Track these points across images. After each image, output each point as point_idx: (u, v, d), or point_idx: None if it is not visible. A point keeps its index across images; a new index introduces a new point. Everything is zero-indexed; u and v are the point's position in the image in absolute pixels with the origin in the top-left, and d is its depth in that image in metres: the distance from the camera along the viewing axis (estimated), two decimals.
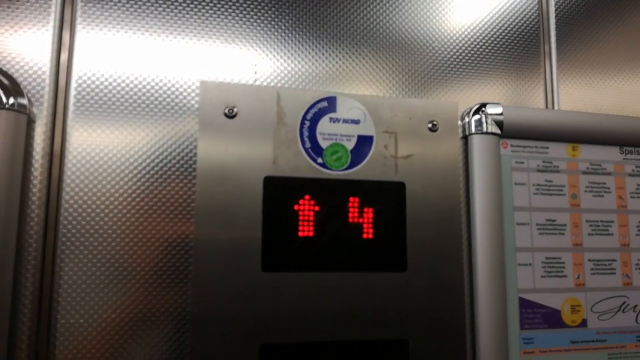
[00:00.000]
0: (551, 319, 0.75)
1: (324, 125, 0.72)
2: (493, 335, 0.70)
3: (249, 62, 0.74)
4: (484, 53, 0.83)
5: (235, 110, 0.69)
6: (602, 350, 0.77)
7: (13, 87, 0.62)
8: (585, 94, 0.88)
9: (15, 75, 0.64)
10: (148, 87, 0.69)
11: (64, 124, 0.66)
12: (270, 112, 0.70)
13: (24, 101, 0.62)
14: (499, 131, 0.76)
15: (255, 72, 0.74)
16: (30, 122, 0.64)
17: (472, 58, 0.83)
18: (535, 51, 0.86)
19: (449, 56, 0.82)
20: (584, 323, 0.77)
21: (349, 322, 0.68)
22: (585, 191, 0.80)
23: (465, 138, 0.77)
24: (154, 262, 0.66)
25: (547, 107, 0.86)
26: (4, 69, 0.64)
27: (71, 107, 0.66)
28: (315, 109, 0.72)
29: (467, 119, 0.77)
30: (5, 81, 0.62)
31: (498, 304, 0.71)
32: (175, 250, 0.67)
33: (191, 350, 0.62)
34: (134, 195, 0.66)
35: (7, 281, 0.60)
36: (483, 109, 0.76)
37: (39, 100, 0.65)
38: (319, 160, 0.71)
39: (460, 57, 0.82)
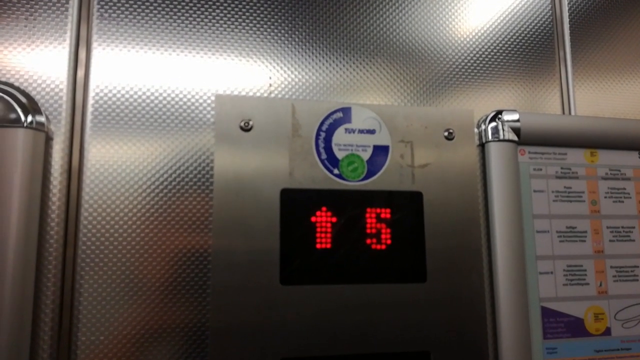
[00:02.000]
0: (574, 327, 0.74)
1: (340, 136, 0.71)
2: (516, 345, 0.69)
3: (263, 75, 0.74)
4: (498, 60, 0.83)
5: (250, 123, 0.69)
6: (628, 359, 0.75)
7: (31, 106, 0.62)
8: (601, 98, 0.87)
9: (32, 93, 0.65)
10: (164, 101, 0.69)
11: (82, 140, 0.66)
12: (286, 124, 0.70)
13: (42, 119, 0.63)
14: (516, 138, 0.76)
15: (270, 85, 0.74)
16: (49, 139, 0.65)
17: (487, 65, 0.82)
18: (550, 56, 0.86)
19: (463, 63, 0.81)
20: (607, 331, 0.75)
21: (369, 334, 0.67)
22: (605, 197, 0.79)
23: (482, 146, 0.76)
24: (173, 276, 0.65)
25: (563, 112, 0.85)
26: (22, 87, 0.65)
27: (88, 124, 0.67)
28: (330, 120, 0.72)
29: (483, 127, 0.76)
30: (24, 100, 0.62)
31: (520, 314, 0.70)
32: (193, 264, 0.66)
33: None
34: (152, 210, 0.66)
35: (28, 297, 0.60)
36: (499, 116, 0.76)
37: (56, 118, 0.66)
38: (335, 171, 0.71)
39: (475, 64, 0.82)
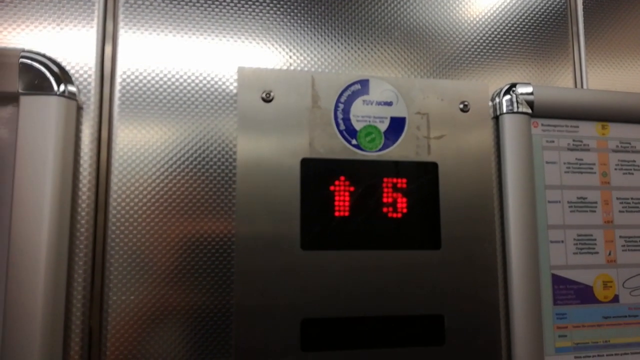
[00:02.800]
0: (583, 294, 0.77)
1: (358, 108, 0.74)
2: (527, 310, 0.72)
3: (284, 51, 0.76)
4: (512, 36, 0.84)
5: (272, 94, 0.71)
6: (634, 326, 0.78)
7: (63, 75, 0.65)
8: (613, 74, 0.89)
9: (63, 64, 0.67)
10: (189, 78, 0.72)
11: (111, 113, 0.69)
12: (306, 96, 0.72)
13: (74, 89, 0.65)
14: (529, 111, 0.77)
15: (290, 60, 0.76)
16: (79, 109, 0.67)
17: (501, 41, 0.84)
18: (564, 32, 0.87)
19: (478, 40, 0.83)
20: (615, 299, 0.78)
21: (385, 298, 0.70)
22: (616, 169, 0.81)
23: (497, 118, 0.78)
24: (198, 244, 0.68)
25: (576, 87, 0.86)
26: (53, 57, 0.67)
27: (117, 94, 0.69)
28: (348, 92, 0.74)
29: (497, 99, 0.78)
30: (56, 69, 0.64)
31: (531, 281, 0.73)
32: (218, 237, 0.69)
33: (236, 327, 0.65)
34: (178, 177, 0.69)
35: (63, 262, 0.63)
36: (514, 89, 0.78)
37: (86, 88, 0.68)
38: (353, 141, 0.73)
39: (489, 40, 0.83)
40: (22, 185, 0.61)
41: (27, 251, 0.60)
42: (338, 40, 0.78)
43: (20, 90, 0.63)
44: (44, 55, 0.65)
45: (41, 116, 0.63)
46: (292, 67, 0.75)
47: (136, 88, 0.70)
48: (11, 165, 0.62)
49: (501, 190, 0.76)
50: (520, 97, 0.77)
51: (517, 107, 0.77)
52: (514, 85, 0.78)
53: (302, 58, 0.76)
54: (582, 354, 0.75)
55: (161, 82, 0.71)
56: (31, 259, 0.60)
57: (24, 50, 0.64)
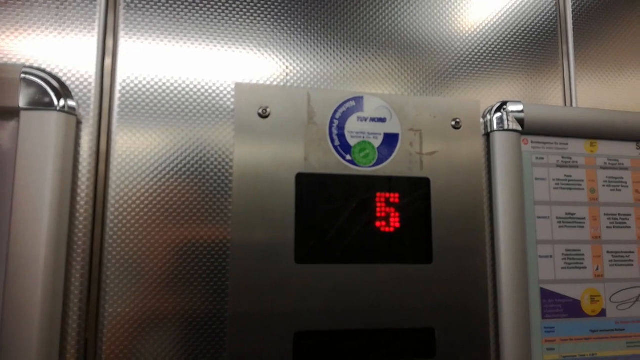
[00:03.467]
0: (572, 308, 0.78)
1: (352, 124, 0.75)
2: (516, 324, 0.73)
3: (280, 65, 0.77)
4: (503, 52, 0.86)
5: (268, 110, 0.73)
6: (621, 339, 0.80)
7: (63, 90, 0.66)
8: (602, 91, 0.91)
9: (63, 79, 0.68)
10: (187, 89, 0.73)
11: (109, 124, 0.70)
12: (302, 112, 0.74)
13: (73, 103, 0.66)
14: (520, 128, 0.79)
15: (287, 74, 0.77)
16: (78, 123, 0.68)
17: (492, 57, 0.86)
18: (554, 50, 0.89)
19: (469, 56, 0.85)
20: (603, 313, 0.80)
21: (378, 311, 0.71)
22: (604, 185, 0.83)
23: (488, 135, 0.80)
24: (194, 253, 0.69)
25: (565, 104, 0.89)
26: (53, 72, 0.68)
27: (116, 109, 0.70)
28: (343, 109, 0.75)
29: (489, 117, 0.80)
30: (56, 84, 0.66)
31: (521, 294, 0.75)
32: (215, 244, 0.70)
33: (230, 337, 0.66)
34: (175, 191, 0.70)
35: (60, 273, 0.64)
36: (504, 107, 0.80)
37: (85, 103, 0.69)
38: (348, 157, 0.74)
39: (481, 56, 0.85)
40: (22, 198, 0.62)
41: (25, 260, 0.61)
42: (334, 56, 0.80)
43: (21, 106, 0.64)
44: (44, 71, 0.66)
45: (41, 131, 0.64)
46: (288, 82, 0.77)
47: (135, 96, 0.71)
48: (11, 178, 0.63)
49: (492, 205, 0.78)
50: (511, 114, 0.79)
51: (508, 125, 0.79)
52: (504, 103, 0.80)
53: (298, 72, 0.78)
54: None
55: (160, 91, 0.72)
56: (30, 270, 0.61)
57: (25, 66, 0.66)
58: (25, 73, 0.65)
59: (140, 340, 0.66)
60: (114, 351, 0.65)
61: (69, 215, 0.65)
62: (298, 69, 0.78)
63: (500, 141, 0.79)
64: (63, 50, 0.70)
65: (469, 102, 0.80)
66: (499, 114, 0.79)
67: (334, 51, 0.80)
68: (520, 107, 0.80)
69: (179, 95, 0.73)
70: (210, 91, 0.74)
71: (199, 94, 0.73)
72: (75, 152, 0.68)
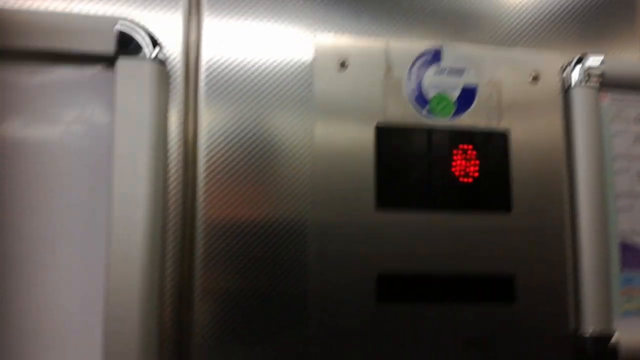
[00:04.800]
0: None
1: (430, 76, 0.76)
2: (595, 273, 0.73)
3: (360, 17, 0.77)
4: (583, 7, 0.84)
5: (347, 62, 0.74)
6: None
7: (155, 43, 0.68)
8: None
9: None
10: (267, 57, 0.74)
11: (197, 88, 0.72)
12: (379, 64, 0.75)
13: (164, 57, 0.69)
14: (599, 83, 0.78)
15: (365, 26, 0.77)
16: (168, 77, 0.71)
17: (573, 11, 0.84)
18: (631, 5, 0.87)
19: (549, 9, 0.83)
20: None
21: (458, 257, 0.72)
22: None
23: (566, 89, 0.79)
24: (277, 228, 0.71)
25: None
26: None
27: (203, 65, 0.72)
28: (421, 60, 0.76)
29: (568, 71, 0.79)
30: (148, 38, 0.68)
31: (600, 246, 0.74)
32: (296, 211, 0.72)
33: (312, 277, 0.69)
34: (261, 151, 0.72)
35: (158, 219, 0.67)
36: (584, 60, 0.78)
37: (172, 54, 0.72)
38: (426, 109, 0.75)
39: (561, 10, 0.84)
40: (122, 141, 0.65)
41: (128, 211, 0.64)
42: (413, 6, 0.79)
43: (116, 54, 0.67)
44: (138, 24, 0.69)
45: (137, 78, 0.67)
46: (367, 34, 0.77)
47: (221, 61, 0.73)
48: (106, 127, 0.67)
49: (570, 159, 0.77)
50: (590, 69, 0.78)
51: (587, 80, 0.78)
52: (584, 56, 0.79)
53: (376, 23, 0.78)
54: None
55: (243, 64, 0.74)
56: (131, 232, 0.64)
57: (120, 18, 0.68)
58: (122, 25, 0.68)
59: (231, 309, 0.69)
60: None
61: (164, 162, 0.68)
62: (377, 19, 0.78)
63: (579, 96, 0.78)
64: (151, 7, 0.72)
65: (548, 55, 0.79)
66: (578, 68, 0.78)
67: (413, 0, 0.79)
68: (600, 62, 0.79)
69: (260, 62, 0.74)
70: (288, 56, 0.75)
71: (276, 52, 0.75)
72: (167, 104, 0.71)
